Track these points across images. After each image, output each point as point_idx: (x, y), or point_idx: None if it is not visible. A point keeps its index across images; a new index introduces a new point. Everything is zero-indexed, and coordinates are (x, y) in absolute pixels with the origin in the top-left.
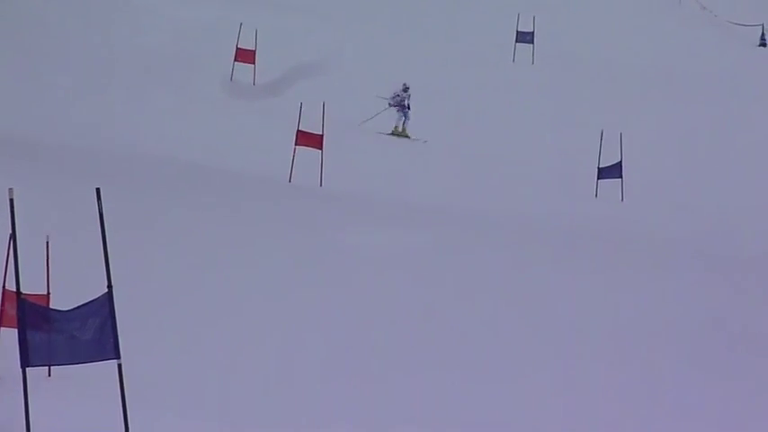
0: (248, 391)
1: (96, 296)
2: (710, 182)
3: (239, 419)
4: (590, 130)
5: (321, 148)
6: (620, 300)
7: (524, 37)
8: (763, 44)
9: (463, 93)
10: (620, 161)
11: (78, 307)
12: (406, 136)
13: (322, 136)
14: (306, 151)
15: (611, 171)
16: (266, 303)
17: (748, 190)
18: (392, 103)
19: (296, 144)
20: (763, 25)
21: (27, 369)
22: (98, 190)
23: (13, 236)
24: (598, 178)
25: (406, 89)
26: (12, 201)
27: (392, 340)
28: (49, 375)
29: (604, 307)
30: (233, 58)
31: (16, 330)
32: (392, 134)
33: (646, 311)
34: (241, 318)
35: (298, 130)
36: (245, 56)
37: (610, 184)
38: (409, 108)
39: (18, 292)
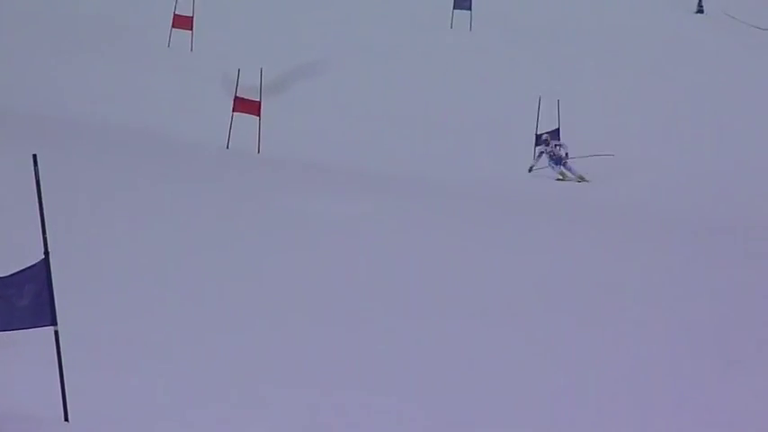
0: (189, 353)
1: (33, 262)
2: (646, 147)
3: (176, 381)
4: (528, 96)
5: (259, 115)
6: (537, 263)
7: (462, 3)
8: (700, 11)
9: (401, 58)
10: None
11: (14, 273)
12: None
13: (259, 102)
14: (245, 118)
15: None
16: (204, 265)
17: (683, 155)
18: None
19: (233, 111)
20: None
21: None
22: (35, 156)
23: None
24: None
25: (545, 141)
26: None
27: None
28: None
29: (526, 276)
30: (170, 24)
31: None
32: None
33: (565, 275)
34: (179, 281)
35: (235, 97)
36: (182, 22)
37: None
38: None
39: None
